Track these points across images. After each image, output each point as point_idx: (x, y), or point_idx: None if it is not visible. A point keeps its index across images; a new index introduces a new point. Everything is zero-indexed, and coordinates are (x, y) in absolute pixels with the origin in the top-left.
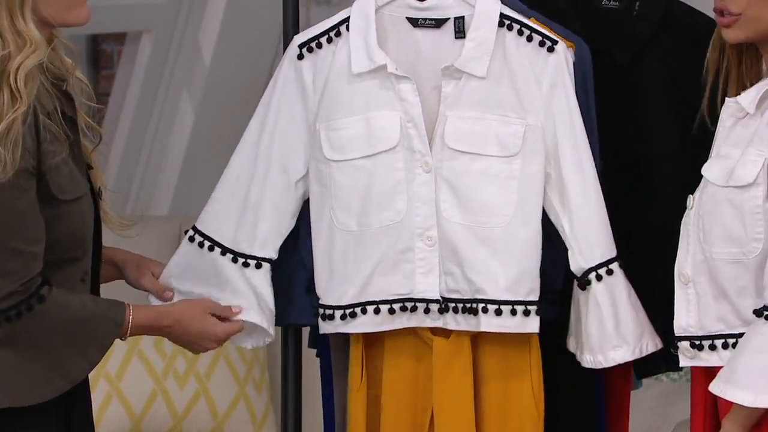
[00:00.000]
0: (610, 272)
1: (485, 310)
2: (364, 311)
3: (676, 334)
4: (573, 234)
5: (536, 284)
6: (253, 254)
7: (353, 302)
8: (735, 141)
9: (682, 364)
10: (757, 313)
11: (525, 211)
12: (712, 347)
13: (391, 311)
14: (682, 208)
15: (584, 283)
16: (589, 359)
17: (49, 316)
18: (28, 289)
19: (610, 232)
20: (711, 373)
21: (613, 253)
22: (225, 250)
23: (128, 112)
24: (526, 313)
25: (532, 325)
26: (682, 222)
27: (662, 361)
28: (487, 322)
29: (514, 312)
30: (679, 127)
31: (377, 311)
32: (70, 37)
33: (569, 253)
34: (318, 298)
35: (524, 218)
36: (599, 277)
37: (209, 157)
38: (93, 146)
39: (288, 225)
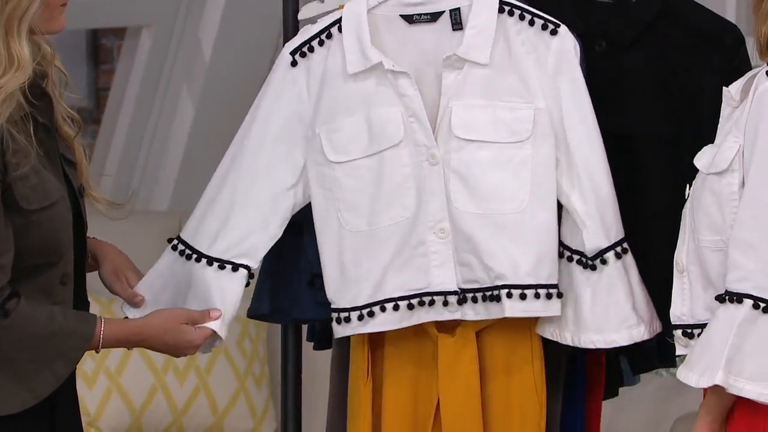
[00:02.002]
0: (625, 251)
1: (510, 296)
2: (383, 309)
3: (672, 323)
4: (588, 213)
5: (555, 267)
6: (231, 261)
7: (370, 301)
8: (726, 130)
9: (678, 352)
10: (718, 298)
11: (540, 195)
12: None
13: (410, 307)
14: (677, 194)
15: (600, 262)
16: (597, 339)
17: (14, 331)
18: None
19: (619, 211)
20: None
21: (623, 233)
22: (201, 257)
23: (128, 107)
24: (549, 296)
25: (554, 307)
26: (683, 212)
27: (656, 356)
28: (512, 307)
29: (537, 296)
30: (671, 113)
31: (396, 308)
32: (68, 32)
33: (584, 232)
34: (321, 293)
35: (540, 202)
36: (618, 255)
37: (209, 152)
38: (74, 134)
39: (274, 235)
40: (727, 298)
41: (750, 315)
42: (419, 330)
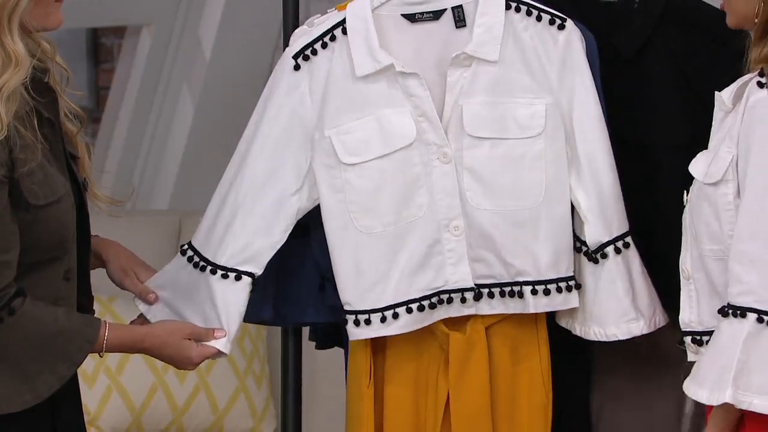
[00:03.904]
0: (626, 245)
1: (534, 292)
2: (409, 310)
3: (682, 329)
4: (590, 207)
5: (572, 259)
6: (235, 268)
7: (392, 303)
8: (719, 136)
9: (689, 358)
10: (721, 311)
11: (555, 188)
12: None
13: (432, 306)
14: None
15: (600, 256)
16: (599, 332)
17: (19, 329)
18: (0, 299)
19: (624, 206)
20: None
21: (628, 227)
22: (207, 265)
23: (128, 106)
24: (569, 288)
25: (573, 300)
26: (683, 218)
27: None
28: (537, 303)
29: (559, 289)
30: (686, 118)
31: (421, 308)
32: (68, 31)
33: (585, 226)
34: (332, 297)
35: (556, 196)
36: (618, 250)
37: (209, 151)
38: (76, 130)
39: (278, 240)
40: (730, 312)
41: (754, 329)
42: (423, 328)
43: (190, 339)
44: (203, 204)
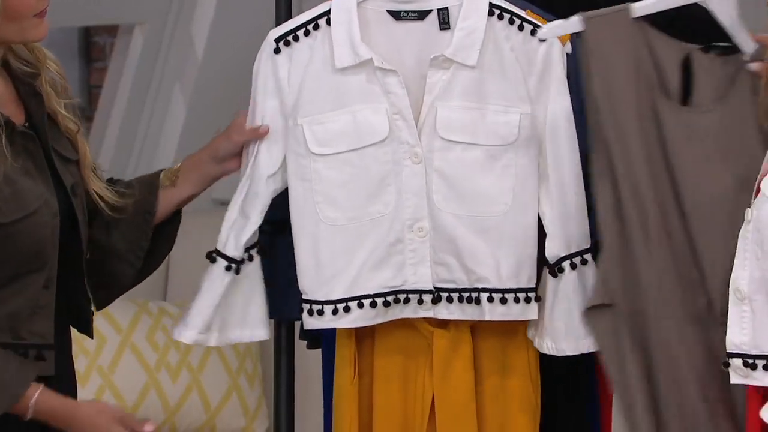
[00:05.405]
0: (584, 262)
1: (491, 299)
2: (360, 305)
3: (728, 351)
4: (552, 221)
5: (534, 271)
6: (217, 249)
7: (345, 296)
8: None
9: (733, 381)
10: None
11: (523, 198)
12: (767, 367)
13: (386, 304)
14: None
15: (557, 270)
16: (551, 346)
17: None
18: None
19: (587, 222)
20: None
21: (588, 244)
22: (214, 252)
23: (120, 105)
24: (527, 300)
25: (532, 311)
26: (740, 235)
27: None
28: (492, 311)
29: (517, 300)
30: None
31: (373, 305)
32: (60, 29)
33: (546, 239)
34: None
35: (523, 206)
36: (573, 266)
37: None
38: (77, 129)
39: (255, 221)
40: None
41: None
42: (408, 325)
43: (119, 424)
44: (196, 203)
